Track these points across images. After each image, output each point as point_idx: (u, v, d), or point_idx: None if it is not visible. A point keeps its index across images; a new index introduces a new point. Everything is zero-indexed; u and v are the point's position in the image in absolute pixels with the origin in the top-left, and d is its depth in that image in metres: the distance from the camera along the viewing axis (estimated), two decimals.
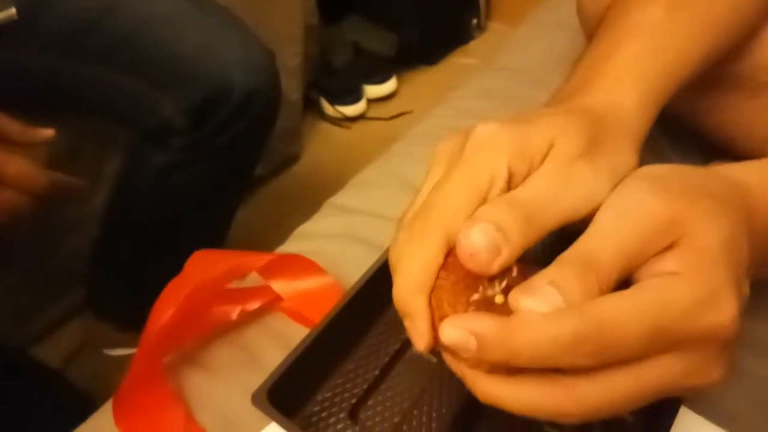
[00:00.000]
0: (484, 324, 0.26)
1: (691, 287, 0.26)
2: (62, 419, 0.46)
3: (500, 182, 0.29)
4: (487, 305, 0.28)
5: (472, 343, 0.26)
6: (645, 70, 0.37)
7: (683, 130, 0.56)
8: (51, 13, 0.75)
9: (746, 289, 0.28)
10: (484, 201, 0.29)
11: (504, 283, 0.28)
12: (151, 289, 0.45)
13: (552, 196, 0.29)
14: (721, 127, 0.52)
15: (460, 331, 0.26)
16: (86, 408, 0.46)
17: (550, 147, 0.30)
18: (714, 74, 0.47)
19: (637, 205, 0.28)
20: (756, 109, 0.48)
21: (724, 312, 0.26)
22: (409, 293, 0.29)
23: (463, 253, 0.28)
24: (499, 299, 0.28)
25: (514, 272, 0.29)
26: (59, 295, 1.07)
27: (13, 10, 0.68)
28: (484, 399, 0.28)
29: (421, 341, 0.29)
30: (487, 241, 0.27)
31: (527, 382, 0.27)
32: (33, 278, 1.02)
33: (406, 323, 0.30)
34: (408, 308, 0.29)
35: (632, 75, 0.36)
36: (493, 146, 0.30)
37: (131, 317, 0.98)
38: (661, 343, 0.26)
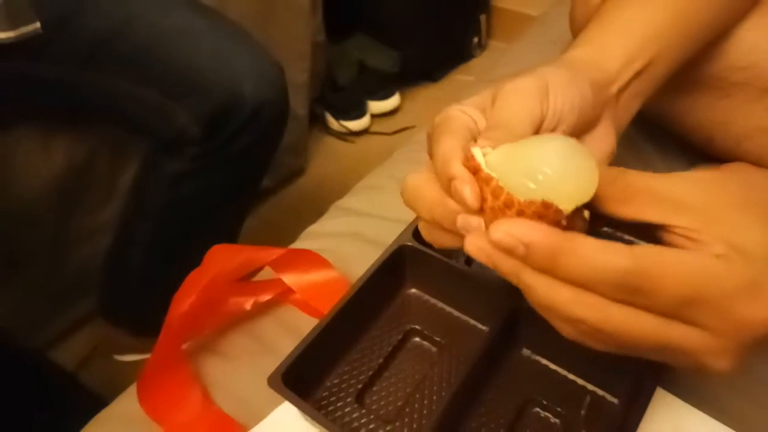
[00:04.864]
0: (536, 234, 0.27)
1: (739, 274, 0.27)
2: (75, 418, 0.48)
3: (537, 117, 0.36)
4: (544, 210, 0.28)
5: (520, 250, 0.27)
6: (624, 29, 0.42)
7: (667, 135, 0.60)
8: (74, 27, 0.77)
9: None
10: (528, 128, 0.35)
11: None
12: (162, 296, 0.48)
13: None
14: (699, 128, 0.54)
15: (510, 237, 0.27)
16: (98, 408, 0.48)
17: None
18: (690, 76, 0.50)
19: None
20: (730, 108, 0.51)
21: (765, 309, 0.26)
22: (447, 157, 0.32)
23: None
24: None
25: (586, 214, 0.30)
26: (73, 301, 1.09)
27: (37, 24, 0.71)
28: (517, 281, 0.29)
29: (470, 196, 0.30)
30: None
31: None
32: (49, 285, 1.04)
33: (454, 185, 0.31)
34: (450, 170, 0.31)
35: (614, 33, 0.42)
36: (524, 93, 0.37)
37: (142, 324, 1.01)
38: (692, 312, 0.27)
